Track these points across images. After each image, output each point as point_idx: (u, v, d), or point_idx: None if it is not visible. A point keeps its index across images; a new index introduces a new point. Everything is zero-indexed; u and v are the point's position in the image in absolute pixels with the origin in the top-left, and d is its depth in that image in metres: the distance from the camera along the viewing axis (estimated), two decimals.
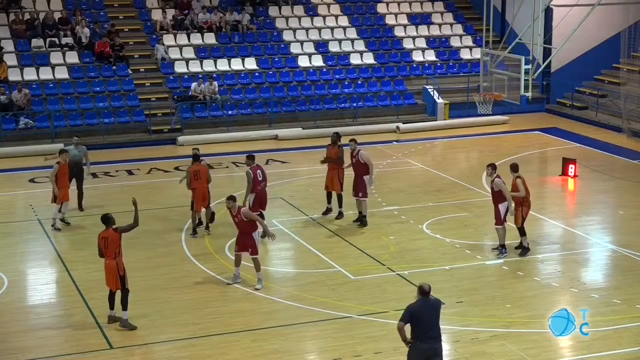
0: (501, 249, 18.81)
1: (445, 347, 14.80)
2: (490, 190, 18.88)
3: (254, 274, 17.53)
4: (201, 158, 20.88)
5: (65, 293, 17.52)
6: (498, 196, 18.47)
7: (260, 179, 19.98)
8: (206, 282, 17.82)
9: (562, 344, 15.23)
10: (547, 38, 31.57)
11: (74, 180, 22.14)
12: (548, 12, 31.67)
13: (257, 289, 17.17)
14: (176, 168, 26.59)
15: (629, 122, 31.06)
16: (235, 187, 22.82)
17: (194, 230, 20.57)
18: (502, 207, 18.46)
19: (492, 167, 18.62)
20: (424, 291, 12.45)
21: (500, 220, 18.59)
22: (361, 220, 20.96)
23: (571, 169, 25.54)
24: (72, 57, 32.39)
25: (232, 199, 17.16)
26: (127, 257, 19.23)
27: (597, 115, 33.15)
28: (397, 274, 18.05)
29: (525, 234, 18.91)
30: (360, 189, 20.79)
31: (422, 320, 12.29)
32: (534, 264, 18.31)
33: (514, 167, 18.87)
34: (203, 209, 20.60)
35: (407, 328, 12.37)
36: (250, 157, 20.16)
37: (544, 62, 30.27)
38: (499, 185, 18.36)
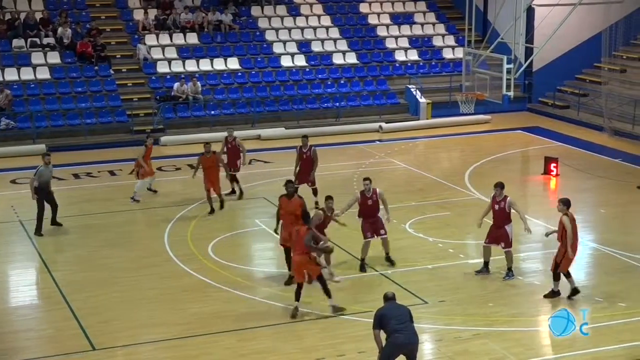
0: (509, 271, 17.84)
1: (428, 346, 14.92)
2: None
3: (238, 273, 17.59)
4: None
5: (47, 295, 17.44)
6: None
7: None
8: (190, 283, 17.78)
9: (544, 342, 15.32)
10: (529, 37, 31.67)
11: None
12: (530, 11, 31.81)
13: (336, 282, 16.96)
14: (159, 168, 26.51)
15: (610, 120, 31.24)
16: (223, 186, 22.77)
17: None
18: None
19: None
20: (387, 297, 13.02)
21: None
22: (389, 260, 18.52)
23: (553, 167, 25.67)
24: (54, 58, 32.25)
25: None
26: (112, 257, 19.35)
27: (578, 114, 33.31)
28: (381, 273, 18.07)
29: (559, 279, 16.87)
30: (382, 226, 18.22)
31: (393, 317, 12.64)
32: (515, 262, 18.29)
33: (567, 202, 16.77)
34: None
35: (384, 335, 12.69)
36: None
37: (525, 61, 30.39)
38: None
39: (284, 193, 17.76)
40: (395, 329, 12.58)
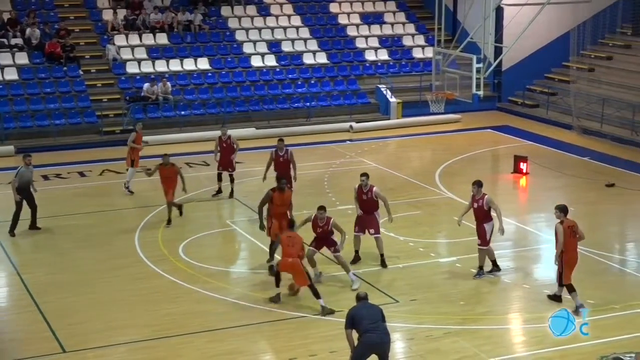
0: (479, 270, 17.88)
1: (400, 345, 14.96)
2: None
3: (209, 274, 17.54)
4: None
5: (17, 297, 17.31)
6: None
7: None
8: (161, 284, 17.71)
9: (515, 339, 15.44)
10: (498, 37, 31.85)
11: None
12: (499, 11, 31.96)
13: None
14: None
15: (578, 119, 31.50)
16: (193, 186, 22.69)
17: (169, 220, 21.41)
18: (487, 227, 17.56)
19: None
20: (360, 297, 13.15)
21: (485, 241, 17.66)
22: (382, 262, 18.53)
23: (523, 166, 25.84)
24: (22, 58, 31.98)
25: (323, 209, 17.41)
26: (82, 259, 19.24)
27: (547, 113, 33.55)
28: (352, 272, 18.07)
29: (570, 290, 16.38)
30: (373, 225, 18.44)
31: (365, 317, 12.71)
32: (487, 261, 18.40)
33: (564, 209, 16.22)
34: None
35: (356, 335, 12.75)
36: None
37: (495, 60, 30.55)
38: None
39: (274, 187, 18.33)
40: (368, 329, 12.62)
